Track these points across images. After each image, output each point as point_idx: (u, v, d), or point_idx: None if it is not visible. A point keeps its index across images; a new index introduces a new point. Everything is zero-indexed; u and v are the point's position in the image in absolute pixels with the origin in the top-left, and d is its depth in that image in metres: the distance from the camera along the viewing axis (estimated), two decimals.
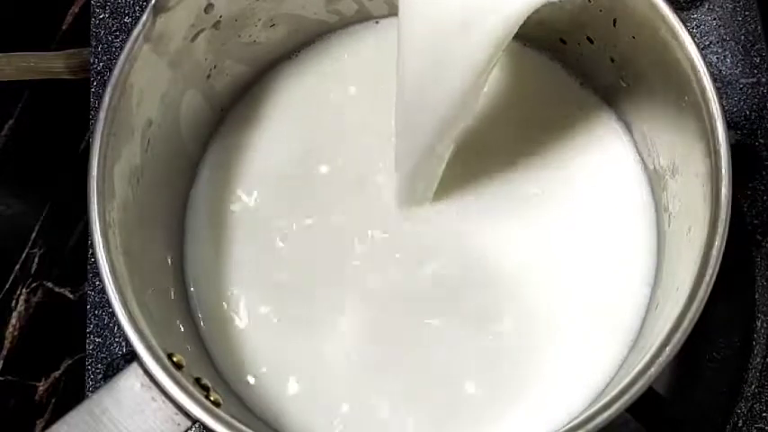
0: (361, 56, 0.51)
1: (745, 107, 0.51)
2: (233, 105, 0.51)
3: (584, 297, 0.46)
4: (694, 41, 0.40)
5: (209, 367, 0.46)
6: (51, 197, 0.61)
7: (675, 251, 0.43)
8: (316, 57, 0.52)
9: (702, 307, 0.37)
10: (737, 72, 0.52)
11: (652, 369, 0.36)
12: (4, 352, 0.58)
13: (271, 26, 0.49)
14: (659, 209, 0.46)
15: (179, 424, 0.38)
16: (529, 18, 0.48)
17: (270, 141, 0.50)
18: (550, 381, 0.44)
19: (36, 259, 0.59)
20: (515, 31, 0.36)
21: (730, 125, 0.39)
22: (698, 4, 0.53)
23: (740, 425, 0.46)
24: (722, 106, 0.39)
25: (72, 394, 0.56)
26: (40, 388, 0.57)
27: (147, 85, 0.43)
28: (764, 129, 0.51)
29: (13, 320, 0.58)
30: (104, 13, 0.57)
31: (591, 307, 0.45)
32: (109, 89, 0.41)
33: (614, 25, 0.44)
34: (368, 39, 0.52)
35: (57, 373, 0.57)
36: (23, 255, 0.60)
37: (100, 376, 0.50)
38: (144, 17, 0.42)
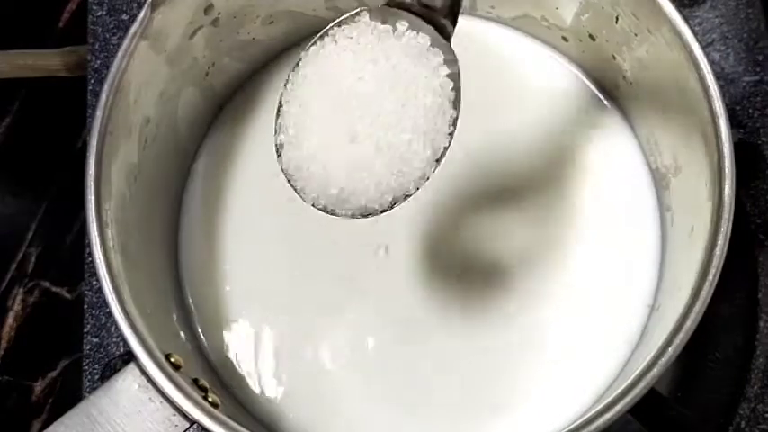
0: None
1: (747, 105, 0.50)
2: (229, 101, 0.51)
3: (586, 297, 0.45)
4: (697, 39, 0.40)
5: (206, 368, 0.46)
6: (48, 196, 0.61)
7: (678, 251, 0.43)
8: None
9: (705, 307, 0.37)
10: (740, 70, 0.51)
11: (654, 370, 0.36)
12: (1, 352, 0.57)
13: (269, 23, 0.49)
14: (662, 208, 0.46)
15: (177, 425, 0.38)
16: (531, 16, 0.48)
17: (266, 137, 0.50)
18: (553, 382, 0.44)
19: (33, 258, 0.59)
20: None
21: (733, 123, 0.39)
22: (701, 1, 0.52)
23: (743, 426, 0.46)
24: (725, 104, 0.39)
25: (69, 395, 0.56)
26: (37, 388, 0.57)
27: (144, 82, 0.43)
28: (767, 127, 0.50)
29: (10, 320, 0.58)
30: (102, 10, 0.57)
31: (593, 307, 0.45)
32: (106, 87, 0.41)
33: (616, 23, 0.44)
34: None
35: (53, 374, 0.57)
36: (20, 254, 0.59)
37: (97, 377, 0.50)
38: (141, 14, 0.42)
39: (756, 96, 0.51)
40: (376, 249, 0.47)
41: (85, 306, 0.52)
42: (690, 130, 0.41)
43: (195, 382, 0.40)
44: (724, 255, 0.37)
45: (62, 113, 0.60)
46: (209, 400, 0.39)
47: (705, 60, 0.39)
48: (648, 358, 0.36)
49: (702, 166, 0.40)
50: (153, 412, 0.38)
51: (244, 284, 0.47)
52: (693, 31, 0.40)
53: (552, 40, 0.49)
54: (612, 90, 0.48)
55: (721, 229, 0.37)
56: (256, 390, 0.45)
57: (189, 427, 0.38)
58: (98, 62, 0.56)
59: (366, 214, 0.36)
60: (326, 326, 0.46)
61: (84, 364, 0.51)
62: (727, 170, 0.38)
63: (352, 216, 0.36)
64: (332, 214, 0.36)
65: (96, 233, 0.39)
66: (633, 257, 0.46)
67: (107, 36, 0.56)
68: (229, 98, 0.51)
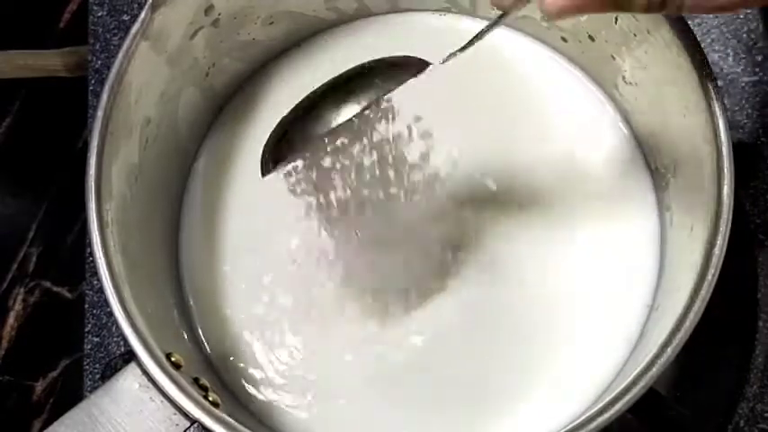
0: (359, 53, 0.51)
1: (747, 106, 0.51)
2: (229, 101, 0.51)
3: (585, 297, 0.45)
4: (696, 39, 0.40)
5: (207, 367, 0.46)
6: (48, 196, 0.61)
7: (677, 251, 0.43)
8: (314, 54, 0.51)
9: (704, 307, 0.37)
10: (739, 70, 0.51)
11: (653, 369, 0.36)
12: (2, 352, 0.58)
13: (270, 24, 0.49)
14: (661, 208, 0.46)
15: (177, 424, 0.38)
16: (531, 17, 0.48)
17: (266, 137, 0.50)
18: (552, 381, 0.44)
19: (34, 258, 0.59)
20: None
21: (732, 124, 0.39)
22: None
23: (742, 425, 0.46)
24: (724, 105, 0.39)
25: (70, 394, 0.56)
26: (38, 388, 0.57)
27: (145, 83, 0.43)
28: (766, 127, 0.50)
29: (11, 320, 0.58)
30: (102, 10, 0.57)
31: (592, 307, 0.45)
32: (107, 87, 0.41)
33: (615, 23, 0.44)
34: (366, 36, 0.51)
35: (54, 373, 0.57)
36: (21, 254, 0.59)
37: (98, 376, 0.50)
38: (142, 15, 0.42)
39: (755, 96, 0.51)
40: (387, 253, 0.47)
41: (86, 306, 0.52)
42: (689, 130, 0.41)
43: (196, 381, 0.40)
44: (723, 255, 0.37)
45: (62, 114, 0.60)
46: (210, 399, 0.39)
47: (705, 61, 0.39)
48: (648, 358, 0.36)
49: (702, 166, 0.40)
50: (154, 411, 0.38)
51: (244, 284, 0.47)
52: (693, 32, 0.40)
53: (552, 41, 0.49)
54: (612, 90, 0.48)
55: (720, 229, 0.37)
56: (257, 389, 0.45)
57: (190, 426, 0.38)
58: (99, 62, 0.56)
59: None
60: (327, 325, 0.46)
61: (84, 363, 0.51)
62: (726, 170, 0.38)
63: None
64: None
65: (97, 233, 0.39)
66: (632, 257, 0.45)
67: (108, 36, 0.56)
68: (229, 98, 0.51)
